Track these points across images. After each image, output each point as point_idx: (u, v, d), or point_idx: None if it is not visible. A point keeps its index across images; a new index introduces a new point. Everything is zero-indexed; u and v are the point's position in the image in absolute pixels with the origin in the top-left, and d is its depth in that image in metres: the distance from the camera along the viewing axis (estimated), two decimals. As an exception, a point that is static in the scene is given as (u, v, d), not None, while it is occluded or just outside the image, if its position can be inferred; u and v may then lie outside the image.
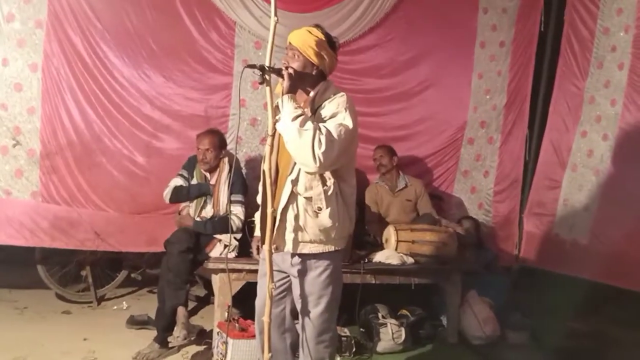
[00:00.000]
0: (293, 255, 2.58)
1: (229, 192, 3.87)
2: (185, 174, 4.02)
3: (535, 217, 5.19)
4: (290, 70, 2.47)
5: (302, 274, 2.60)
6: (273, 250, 2.60)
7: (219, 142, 3.99)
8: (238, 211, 3.88)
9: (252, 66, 2.42)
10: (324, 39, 2.56)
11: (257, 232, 2.85)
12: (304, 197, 2.52)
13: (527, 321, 4.46)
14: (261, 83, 2.43)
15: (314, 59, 2.53)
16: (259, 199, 2.62)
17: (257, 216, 2.83)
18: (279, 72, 2.47)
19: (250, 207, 3.92)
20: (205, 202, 3.96)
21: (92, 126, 4.19)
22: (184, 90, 4.38)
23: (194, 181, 4.00)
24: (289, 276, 2.70)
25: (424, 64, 5.05)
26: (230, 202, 3.87)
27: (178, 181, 3.99)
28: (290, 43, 2.57)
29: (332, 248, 2.60)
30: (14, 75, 4.00)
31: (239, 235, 3.88)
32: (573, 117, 4.95)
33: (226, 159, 3.99)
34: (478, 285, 4.44)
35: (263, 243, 2.59)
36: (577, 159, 4.85)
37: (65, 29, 4.07)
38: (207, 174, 4.01)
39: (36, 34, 4.02)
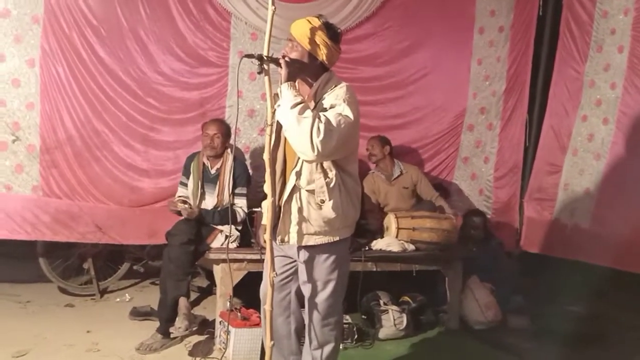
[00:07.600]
0: (299, 248, 2.59)
1: (232, 184, 3.89)
2: (185, 180, 4.08)
3: (536, 202, 5.18)
4: (287, 58, 2.47)
5: (308, 263, 2.62)
6: (279, 243, 2.61)
7: (226, 130, 4.03)
8: (243, 204, 3.93)
9: (250, 56, 2.43)
10: (320, 27, 2.54)
11: (265, 221, 2.84)
12: (306, 190, 2.53)
13: (529, 306, 4.46)
14: (259, 73, 2.43)
15: (309, 47, 2.52)
16: (266, 189, 2.62)
17: (264, 205, 2.82)
18: (276, 62, 2.45)
19: (249, 199, 3.96)
20: (203, 193, 3.98)
21: (91, 121, 4.17)
22: (179, 83, 4.36)
23: (191, 177, 4.02)
24: (295, 261, 2.71)
25: (422, 52, 5.01)
26: (234, 194, 3.91)
27: (182, 192, 4.06)
28: (290, 34, 2.57)
29: (337, 238, 2.60)
30: (12, 71, 3.97)
31: (240, 226, 3.91)
32: (573, 101, 4.92)
33: (229, 150, 4.02)
34: (481, 272, 4.45)
35: (271, 231, 2.59)
36: (578, 143, 4.83)
37: (62, 25, 4.04)
38: (208, 164, 4.01)
39: (33, 30, 3.99)
